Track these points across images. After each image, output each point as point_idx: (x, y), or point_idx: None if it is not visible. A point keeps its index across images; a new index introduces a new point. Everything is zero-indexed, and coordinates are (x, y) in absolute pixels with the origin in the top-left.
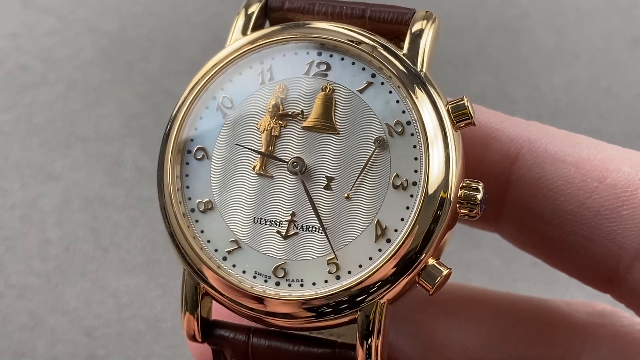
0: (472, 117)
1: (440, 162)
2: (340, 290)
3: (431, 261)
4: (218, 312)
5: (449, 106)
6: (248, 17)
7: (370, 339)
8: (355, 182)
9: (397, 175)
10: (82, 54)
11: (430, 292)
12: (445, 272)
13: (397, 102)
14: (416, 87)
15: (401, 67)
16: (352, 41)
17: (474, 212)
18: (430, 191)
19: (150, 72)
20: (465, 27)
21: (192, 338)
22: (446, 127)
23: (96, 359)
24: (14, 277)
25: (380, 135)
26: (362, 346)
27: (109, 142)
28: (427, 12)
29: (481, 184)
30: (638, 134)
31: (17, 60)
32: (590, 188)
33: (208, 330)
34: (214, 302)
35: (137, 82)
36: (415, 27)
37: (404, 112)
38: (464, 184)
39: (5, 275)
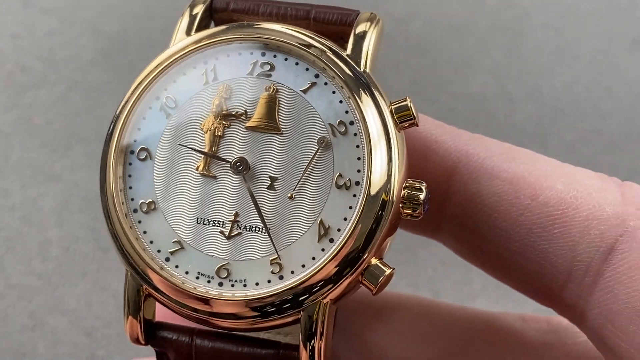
0: (415, 118)
1: (383, 162)
2: (283, 290)
3: (374, 261)
4: (163, 315)
5: (392, 107)
6: (192, 18)
7: (313, 340)
8: (298, 182)
9: (340, 175)
10: (82, 55)
11: (373, 292)
12: (387, 271)
13: (341, 102)
14: (359, 88)
15: (345, 68)
16: (302, 44)
17: (417, 212)
18: (373, 191)
19: None
20: (465, 27)
21: (136, 341)
22: (389, 127)
23: (96, 359)
24: (15, 278)
25: (324, 135)
26: (305, 347)
27: None
28: (371, 13)
29: (424, 184)
30: (638, 134)
31: (17, 61)
32: (523, 205)
33: (151, 332)
34: (157, 303)
35: None
36: (359, 29)
37: (347, 112)
38: (407, 184)
39: (6, 275)
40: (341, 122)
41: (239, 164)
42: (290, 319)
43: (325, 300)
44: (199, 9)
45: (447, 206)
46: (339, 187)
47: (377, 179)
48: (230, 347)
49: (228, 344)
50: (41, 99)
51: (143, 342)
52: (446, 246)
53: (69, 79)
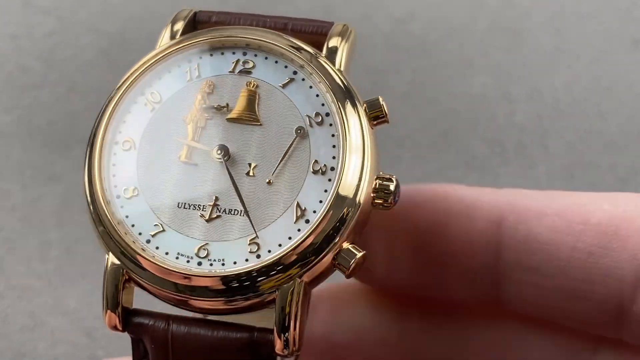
0: (386, 115)
1: (357, 151)
2: (259, 267)
3: (346, 245)
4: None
5: (365, 105)
6: (173, 34)
7: (287, 321)
8: (276, 168)
9: (316, 161)
10: (82, 55)
11: (346, 274)
12: (359, 254)
13: (317, 95)
14: (335, 84)
15: (321, 66)
16: (281, 44)
17: (388, 201)
18: (346, 177)
19: None
20: (465, 27)
21: (114, 328)
22: (362, 120)
23: (96, 359)
24: (15, 278)
25: (301, 125)
26: (279, 330)
27: None
28: (343, 26)
29: (395, 176)
30: (638, 134)
31: (17, 61)
32: (577, 232)
33: (128, 319)
34: (136, 290)
35: None
36: (331, 44)
37: (323, 104)
38: (379, 176)
39: (6, 276)
40: (317, 114)
41: (219, 150)
42: (265, 299)
43: (299, 280)
44: (180, 26)
45: (502, 258)
46: (315, 172)
47: (351, 167)
48: (205, 331)
49: (203, 328)
50: (41, 99)
51: (120, 329)
52: (508, 307)
53: (69, 80)
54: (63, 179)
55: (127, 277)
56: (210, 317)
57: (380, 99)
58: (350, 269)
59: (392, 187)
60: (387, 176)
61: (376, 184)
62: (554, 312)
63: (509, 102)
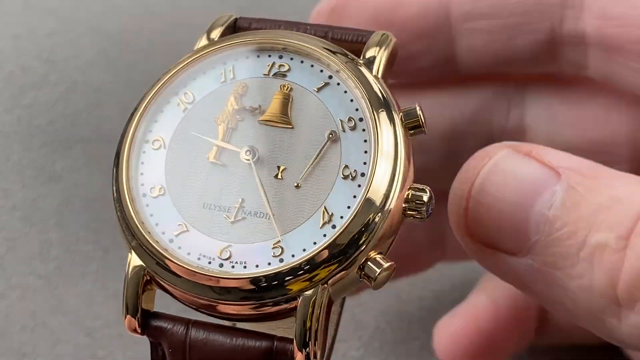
0: (423, 125)
1: (389, 158)
2: (282, 271)
3: (373, 254)
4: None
5: (402, 112)
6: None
7: (308, 327)
8: (305, 171)
9: (346, 166)
10: (83, 55)
11: (372, 285)
12: (386, 264)
13: (352, 100)
14: (371, 90)
15: (358, 71)
16: (319, 48)
17: (421, 212)
18: (376, 183)
19: (151, 73)
20: None
21: (133, 331)
22: (397, 128)
23: (97, 359)
24: (15, 278)
25: (333, 129)
26: (300, 338)
27: (110, 143)
28: (382, 35)
29: (428, 188)
30: None
31: (17, 61)
32: None
33: (147, 322)
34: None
35: (138, 83)
36: (369, 53)
37: (357, 109)
38: (412, 186)
39: (6, 276)
40: (350, 119)
41: (248, 151)
42: (291, 305)
43: (323, 286)
44: (217, 33)
45: (453, 11)
46: (344, 177)
47: (382, 173)
48: (224, 338)
49: (222, 334)
50: (41, 99)
51: (140, 332)
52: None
53: (70, 79)
54: (63, 179)
55: (148, 278)
56: (227, 323)
57: (418, 108)
58: (376, 279)
59: (425, 198)
60: (421, 187)
61: (409, 194)
62: (498, 57)
63: None
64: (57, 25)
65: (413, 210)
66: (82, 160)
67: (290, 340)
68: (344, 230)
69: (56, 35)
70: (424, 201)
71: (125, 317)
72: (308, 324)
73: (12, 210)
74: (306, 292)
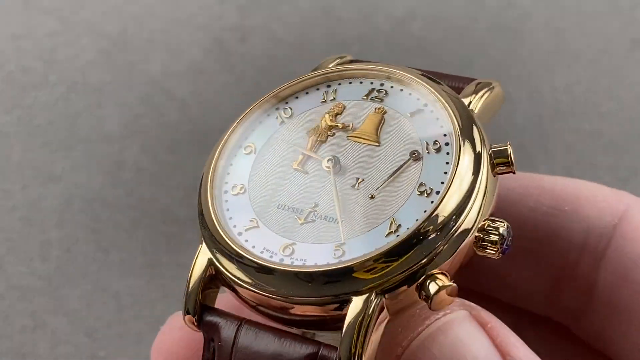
0: (512, 165)
1: (466, 182)
2: (339, 267)
3: (435, 271)
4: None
5: (492, 150)
6: None
7: (354, 347)
8: (382, 185)
9: (422, 184)
10: (82, 55)
11: (429, 304)
12: (446, 283)
13: (442, 127)
14: (463, 121)
15: (453, 103)
16: (421, 78)
17: (495, 244)
18: (448, 201)
19: (151, 73)
20: (466, 27)
21: (191, 325)
22: (482, 160)
23: None
24: (15, 279)
25: (417, 149)
26: (344, 356)
27: (109, 143)
28: (477, 85)
29: (506, 223)
30: (638, 134)
31: (18, 61)
32: (534, 194)
33: (202, 317)
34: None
35: (137, 83)
36: (466, 101)
37: (445, 135)
38: (489, 218)
39: (7, 276)
40: (437, 142)
41: (330, 160)
42: (343, 307)
43: (376, 296)
44: (330, 63)
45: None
46: (420, 193)
47: (456, 194)
48: (272, 338)
49: (271, 334)
50: (42, 99)
51: (196, 328)
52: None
53: (70, 80)
54: (63, 179)
55: (212, 273)
56: (278, 326)
57: (509, 147)
58: (433, 299)
59: (501, 230)
60: (500, 220)
61: (485, 224)
62: (491, 276)
63: (509, 102)
64: (57, 26)
65: (486, 242)
66: (82, 161)
67: (336, 349)
68: (405, 238)
69: (56, 36)
70: (499, 233)
71: (185, 311)
72: (355, 331)
73: (12, 210)
74: (359, 298)
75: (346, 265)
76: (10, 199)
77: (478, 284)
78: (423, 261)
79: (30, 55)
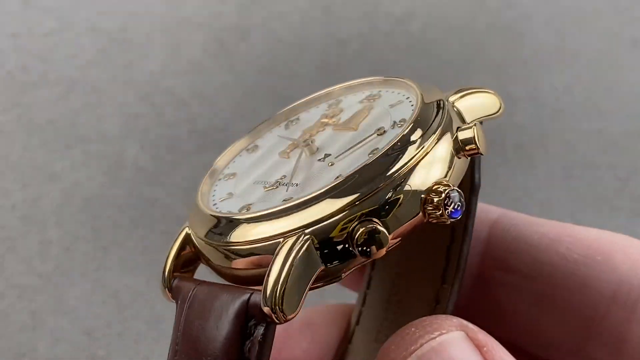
0: (478, 147)
1: (414, 148)
2: (286, 207)
3: (376, 221)
4: None
5: (458, 132)
6: None
7: (274, 284)
8: (342, 154)
9: (376, 149)
10: (82, 54)
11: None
12: (380, 227)
13: (413, 111)
14: (434, 109)
15: (431, 90)
16: (424, 89)
17: (435, 203)
18: (400, 158)
19: (150, 72)
20: (466, 27)
21: (166, 296)
22: (437, 130)
23: (97, 359)
24: (15, 278)
25: (384, 126)
26: (265, 296)
27: (109, 143)
28: (468, 88)
29: (458, 190)
30: (638, 134)
31: (17, 60)
32: (565, 241)
33: (172, 285)
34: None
35: (137, 82)
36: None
37: (413, 113)
38: (444, 182)
39: (6, 275)
40: (403, 120)
41: (306, 141)
42: (282, 241)
43: (307, 230)
44: None
45: (489, 250)
46: (370, 153)
47: (405, 155)
48: (220, 291)
49: (219, 289)
50: (41, 98)
51: (170, 298)
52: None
53: (69, 79)
54: (63, 177)
55: (192, 250)
56: (229, 284)
57: (474, 130)
58: (356, 238)
59: (448, 191)
60: (451, 185)
61: (437, 187)
62: (518, 323)
63: (509, 102)
64: (57, 25)
65: (432, 205)
66: (82, 160)
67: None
68: (342, 180)
69: (55, 35)
70: (446, 194)
71: (163, 279)
72: (277, 271)
73: (12, 209)
74: (287, 239)
75: (289, 205)
76: (9, 198)
77: (505, 331)
78: (356, 203)
79: (30, 55)
